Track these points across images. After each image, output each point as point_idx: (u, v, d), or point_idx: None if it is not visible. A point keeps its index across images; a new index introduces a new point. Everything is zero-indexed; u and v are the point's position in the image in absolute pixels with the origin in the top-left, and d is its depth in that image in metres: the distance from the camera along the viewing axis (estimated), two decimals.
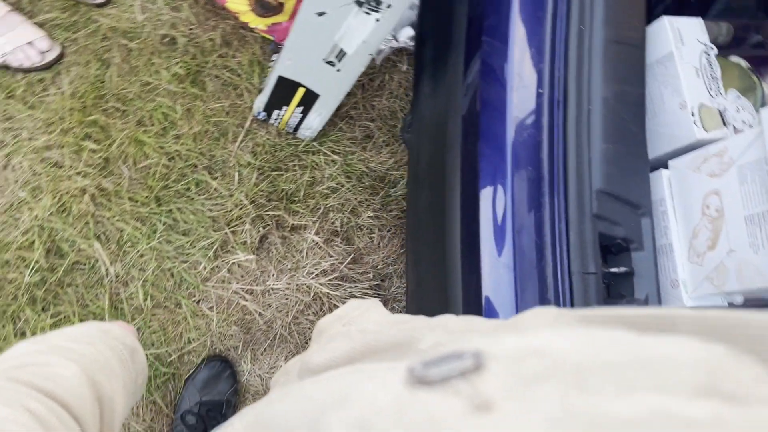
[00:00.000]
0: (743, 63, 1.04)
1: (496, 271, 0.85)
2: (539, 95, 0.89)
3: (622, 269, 0.85)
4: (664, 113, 0.95)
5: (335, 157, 1.55)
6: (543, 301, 0.82)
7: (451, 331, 0.40)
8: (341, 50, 1.16)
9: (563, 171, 0.86)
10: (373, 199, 1.56)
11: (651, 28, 0.97)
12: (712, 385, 0.21)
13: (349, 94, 1.58)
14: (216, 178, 1.45)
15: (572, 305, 0.79)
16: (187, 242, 1.39)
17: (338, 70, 1.22)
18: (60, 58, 1.41)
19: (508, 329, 0.37)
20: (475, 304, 0.87)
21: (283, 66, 1.27)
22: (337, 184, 1.54)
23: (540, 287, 0.82)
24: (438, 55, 1.10)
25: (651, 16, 0.96)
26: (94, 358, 0.50)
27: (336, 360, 0.43)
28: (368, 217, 1.55)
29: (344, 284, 1.49)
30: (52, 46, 1.40)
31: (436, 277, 0.98)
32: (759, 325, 0.25)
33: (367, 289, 1.51)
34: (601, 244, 0.85)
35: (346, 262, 1.50)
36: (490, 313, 0.85)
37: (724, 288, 0.81)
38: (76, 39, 1.43)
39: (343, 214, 1.53)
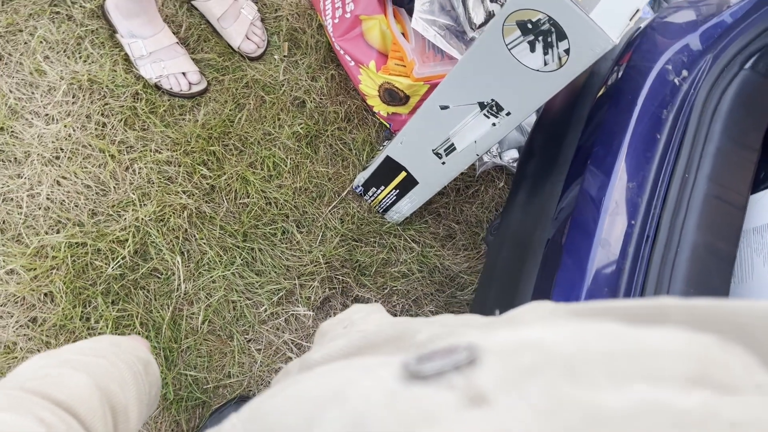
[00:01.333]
0: None
1: None
2: (630, 225, 0.93)
3: None
4: (752, 281, 0.96)
5: (414, 245, 1.61)
6: None
7: (446, 326, 0.40)
8: (452, 145, 1.24)
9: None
10: (439, 295, 1.60)
11: (755, 196, 1.00)
12: (703, 375, 0.22)
13: (442, 194, 1.67)
14: (302, 232, 1.53)
15: None
16: (258, 282, 1.46)
17: (443, 163, 1.31)
18: (204, 92, 1.58)
19: (503, 323, 0.37)
20: None
21: (394, 147, 1.37)
22: (408, 270, 1.59)
23: None
24: (540, 170, 1.16)
25: (757, 185, 1.00)
26: (106, 369, 0.51)
27: (333, 355, 0.43)
28: (429, 310, 1.58)
29: None
30: (201, 81, 1.57)
31: None
32: (748, 313, 0.26)
33: None
34: None
35: None
36: None
37: None
38: (222, 80, 1.61)
39: (406, 300, 1.57)
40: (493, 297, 1.11)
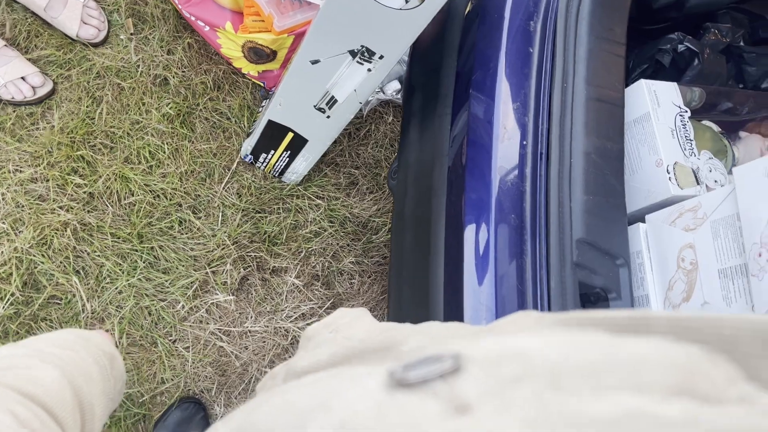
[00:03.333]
0: (715, 127, 1.10)
1: (478, 314, 0.86)
2: (522, 147, 0.93)
3: None
4: (642, 170, 1.00)
5: (319, 201, 1.57)
6: None
7: (433, 336, 0.40)
8: (332, 98, 1.19)
9: (545, 220, 0.88)
10: (355, 245, 1.58)
11: (630, 90, 1.02)
12: (686, 385, 0.22)
13: (336, 142, 1.62)
14: (200, 218, 1.46)
15: None
16: (167, 280, 1.38)
17: (328, 117, 1.26)
18: (51, 93, 1.43)
19: (488, 333, 0.37)
20: None
21: (274, 110, 1.30)
22: (319, 228, 1.55)
23: None
24: (426, 105, 1.14)
25: (629, 80, 1.02)
26: (74, 363, 0.50)
27: (320, 363, 0.43)
28: (349, 262, 1.56)
29: None
30: (45, 82, 1.41)
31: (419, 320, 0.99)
32: (732, 325, 0.26)
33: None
34: (582, 293, 0.88)
35: (326, 306, 1.50)
36: None
37: None
38: (69, 76, 1.45)
39: (324, 258, 1.54)
40: (409, 240, 1.10)
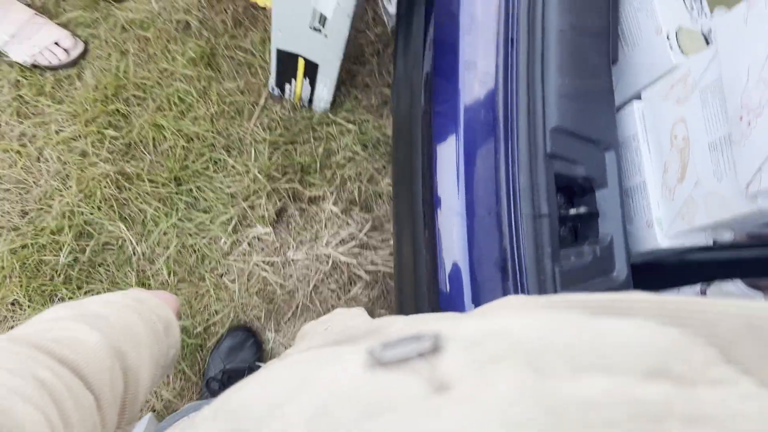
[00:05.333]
0: None
1: (449, 220, 0.82)
2: (492, 35, 0.84)
3: (583, 210, 0.79)
4: (641, 41, 0.88)
5: (350, 126, 1.55)
6: (499, 247, 0.78)
7: (422, 319, 0.40)
8: (321, 15, 1.15)
9: (516, 111, 0.81)
10: (393, 168, 1.55)
11: None
12: (663, 367, 0.22)
13: (363, 63, 1.58)
14: (233, 156, 1.49)
15: (520, 249, 0.75)
16: (208, 219, 1.44)
17: (325, 36, 1.21)
18: (84, 53, 1.50)
19: (473, 315, 0.37)
20: (432, 257, 0.84)
21: (276, 38, 1.28)
22: (353, 153, 1.54)
23: (494, 233, 0.78)
24: (408, 8, 1.07)
25: None
26: (123, 326, 0.49)
27: (310, 348, 0.42)
28: (386, 183, 1.54)
29: (364, 252, 1.49)
30: (76, 44, 1.48)
31: (407, 232, 0.96)
32: (717, 311, 0.25)
33: (388, 255, 1.50)
34: (562, 185, 0.80)
35: (366, 230, 1.50)
36: (447, 264, 0.82)
37: (694, 223, 0.73)
38: (97, 34, 1.52)
39: (360, 182, 1.53)
40: (401, 157, 1.06)
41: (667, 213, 0.78)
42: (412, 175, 0.94)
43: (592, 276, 0.76)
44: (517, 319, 0.27)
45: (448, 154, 0.84)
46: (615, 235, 0.78)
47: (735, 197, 0.67)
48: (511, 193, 0.78)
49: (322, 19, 1.17)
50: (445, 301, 0.81)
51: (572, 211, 0.80)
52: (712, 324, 0.25)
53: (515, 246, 0.76)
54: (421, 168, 0.90)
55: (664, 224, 0.79)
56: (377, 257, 1.50)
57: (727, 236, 0.78)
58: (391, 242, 1.51)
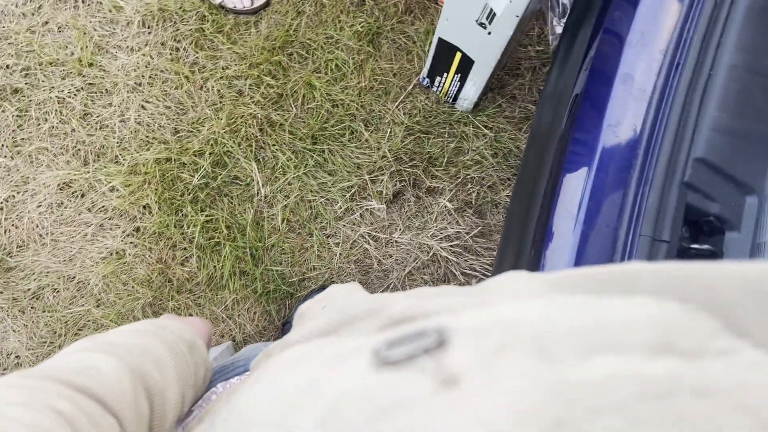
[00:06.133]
0: None
1: (564, 222, 0.82)
2: (659, 54, 0.84)
3: (706, 248, 0.77)
4: None
5: (486, 131, 1.57)
6: (605, 260, 0.77)
7: (422, 295, 0.39)
8: (491, 10, 1.18)
9: (663, 134, 0.80)
10: (515, 180, 1.55)
11: None
12: (668, 343, 0.22)
13: (517, 75, 1.59)
14: (369, 130, 1.56)
15: None
16: (330, 181, 1.52)
17: (489, 33, 1.25)
18: (266, 5, 1.63)
19: (474, 297, 0.36)
20: (537, 254, 0.84)
21: (442, 26, 1.33)
22: (481, 157, 1.56)
23: (607, 247, 0.78)
24: (572, 29, 1.07)
25: None
26: (142, 351, 0.50)
27: (312, 334, 0.43)
28: (506, 195, 1.54)
29: (466, 254, 1.51)
30: None
31: (518, 222, 0.97)
32: (713, 275, 0.25)
33: (489, 265, 1.50)
34: (691, 218, 0.78)
35: (473, 233, 1.51)
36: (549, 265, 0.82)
37: None
38: None
39: (481, 187, 1.54)
40: (531, 165, 1.06)
41: None
42: (538, 181, 0.94)
43: None
44: (520, 306, 0.27)
45: (580, 160, 0.84)
46: None
47: None
48: (635, 212, 0.77)
49: (491, 15, 1.20)
50: None
51: (694, 246, 0.77)
52: (711, 289, 0.24)
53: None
54: (546, 185, 0.91)
55: None
56: (477, 263, 1.50)
57: None
58: (495, 253, 1.51)
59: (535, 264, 0.85)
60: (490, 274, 1.49)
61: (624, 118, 0.82)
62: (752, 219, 0.76)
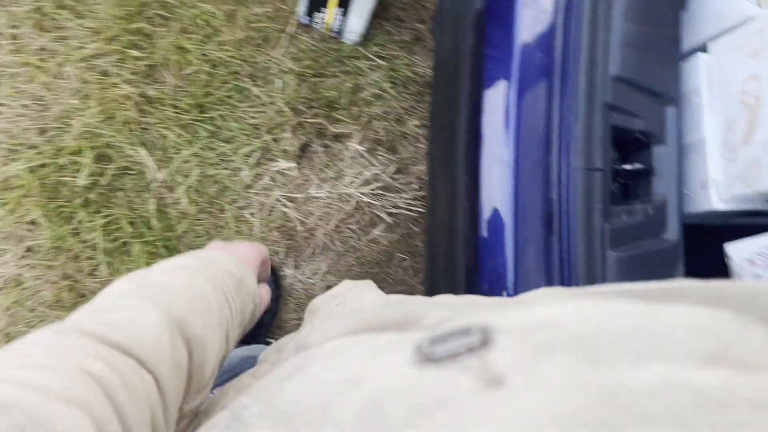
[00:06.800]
0: None
1: (494, 168, 0.78)
2: None
3: (638, 166, 0.76)
4: None
5: (380, 62, 1.49)
6: (545, 198, 0.75)
7: (452, 307, 0.39)
8: None
9: (577, 57, 0.76)
10: (420, 107, 1.50)
11: None
12: (722, 353, 0.21)
13: None
14: (258, 85, 1.44)
15: (569, 205, 0.72)
16: (230, 149, 1.41)
17: None
18: None
19: (513, 304, 0.36)
20: (473, 210, 0.81)
21: None
22: (381, 90, 1.48)
23: (541, 186, 0.75)
24: None
25: None
26: (187, 295, 0.48)
27: (336, 336, 0.41)
28: (414, 125, 1.49)
29: (387, 194, 1.46)
30: None
31: (445, 177, 0.93)
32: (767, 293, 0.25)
33: (411, 200, 1.47)
34: (618, 139, 0.76)
35: (390, 171, 1.47)
36: (491, 219, 0.79)
37: (757, 187, 0.70)
38: None
39: (387, 122, 1.48)
40: (442, 85, 1.01)
41: (727, 175, 0.75)
42: (455, 118, 0.90)
43: (642, 236, 0.73)
44: (565, 308, 0.27)
45: (498, 100, 0.79)
46: (669, 195, 0.74)
47: None
48: (564, 143, 0.74)
49: None
50: (485, 247, 0.79)
51: (626, 167, 0.76)
52: (764, 308, 0.24)
53: (563, 198, 0.73)
54: (467, 111, 0.86)
55: (722, 186, 0.75)
56: (400, 200, 1.47)
57: None
58: (415, 186, 1.48)
59: (473, 189, 0.82)
60: (414, 208, 1.46)
61: (533, 48, 0.77)
62: (674, 127, 0.76)
